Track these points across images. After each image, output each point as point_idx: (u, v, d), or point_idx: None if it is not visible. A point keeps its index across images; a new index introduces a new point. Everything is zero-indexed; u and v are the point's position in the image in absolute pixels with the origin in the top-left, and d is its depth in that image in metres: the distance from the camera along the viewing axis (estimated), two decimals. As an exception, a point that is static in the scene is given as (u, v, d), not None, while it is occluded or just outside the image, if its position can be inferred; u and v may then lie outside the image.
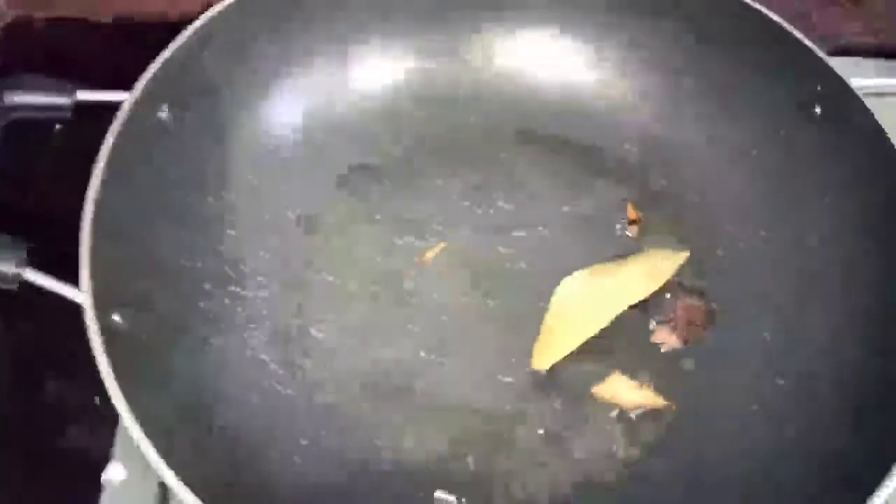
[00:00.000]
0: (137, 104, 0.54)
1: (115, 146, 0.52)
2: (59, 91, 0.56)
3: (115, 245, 0.50)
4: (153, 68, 0.56)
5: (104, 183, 0.50)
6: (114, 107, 0.54)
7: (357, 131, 0.68)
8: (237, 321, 0.58)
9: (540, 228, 0.66)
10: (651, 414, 0.56)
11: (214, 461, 0.48)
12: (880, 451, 0.47)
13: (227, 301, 0.58)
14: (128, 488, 0.53)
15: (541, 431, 0.55)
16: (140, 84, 0.55)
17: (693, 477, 0.53)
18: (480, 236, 0.65)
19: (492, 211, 0.67)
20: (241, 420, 0.52)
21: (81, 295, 0.46)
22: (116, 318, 0.48)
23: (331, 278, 0.62)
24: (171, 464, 0.42)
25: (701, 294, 0.61)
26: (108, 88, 0.56)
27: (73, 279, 0.47)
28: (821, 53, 0.61)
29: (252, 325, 0.58)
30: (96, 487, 0.53)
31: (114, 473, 0.54)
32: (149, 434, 0.42)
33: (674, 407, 0.56)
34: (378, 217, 0.65)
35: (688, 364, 0.58)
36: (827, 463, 0.50)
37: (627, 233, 0.65)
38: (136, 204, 0.54)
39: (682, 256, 0.62)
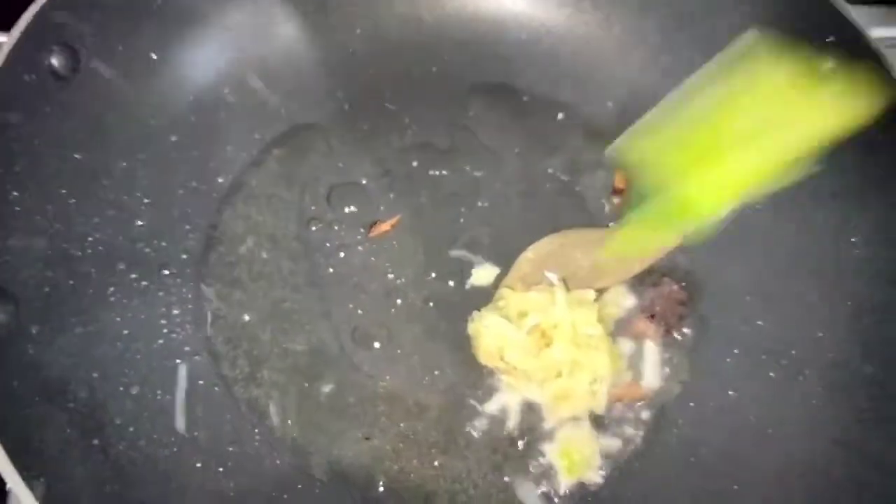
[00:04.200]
0: (20, 47, 0.45)
1: (-8, 99, 0.43)
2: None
3: (-9, 221, 0.42)
4: (40, 2, 0.46)
5: (-23, 144, 0.42)
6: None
7: (298, 82, 0.59)
8: (154, 306, 0.50)
9: (508, 196, 0.58)
10: (621, 417, 0.50)
11: (113, 479, 0.41)
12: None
13: (143, 283, 0.51)
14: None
15: (496, 433, 0.49)
16: (23, 22, 0.45)
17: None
18: (440, 206, 0.57)
19: (454, 176, 0.58)
20: (151, 424, 0.45)
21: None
22: (-8, 312, 0.40)
23: (264, 255, 0.54)
24: (50, 493, 0.35)
25: (684, 277, 0.54)
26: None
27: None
28: (835, -1, 0.52)
29: (172, 311, 0.51)
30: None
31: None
32: (17, 457, 0.35)
33: (657, 396, 0.50)
34: (321, 184, 0.57)
35: (668, 354, 0.52)
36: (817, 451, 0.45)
37: (609, 202, 0.58)
38: (20, 169, 0.45)
39: (672, 242, 0.53)
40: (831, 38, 0.52)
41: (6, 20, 0.45)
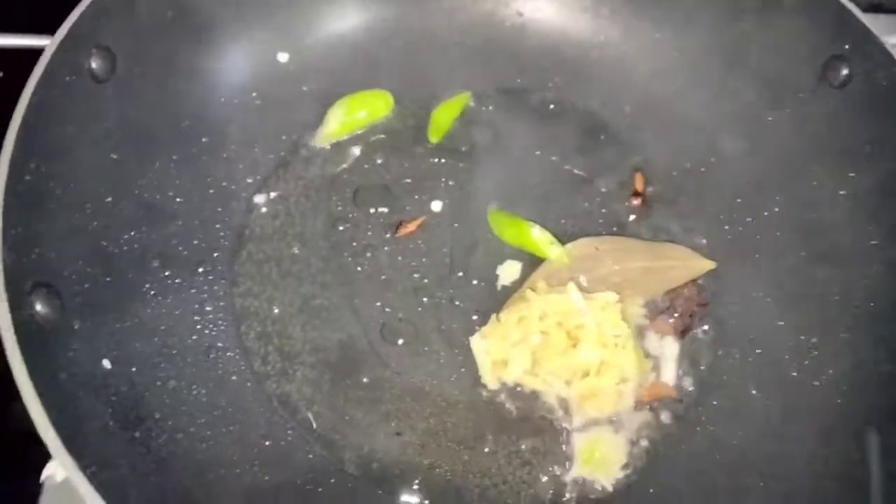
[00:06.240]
0: (62, 50, 0.46)
1: (36, 100, 0.44)
2: (-34, 33, 0.47)
3: (36, 218, 0.43)
4: (81, 7, 0.47)
5: (22, 143, 0.43)
6: (34, 53, 0.46)
7: (324, 87, 0.60)
8: (187, 303, 0.51)
9: (530, 195, 0.59)
10: (646, 416, 0.51)
11: (155, 471, 0.42)
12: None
13: (177, 280, 0.52)
14: (68, 487, 0.48)
15: (524, 429, 0.50)
16: (65, 26, 0.47)
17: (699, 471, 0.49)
18: (464, 206, 0.58)
19: (477, 177, 0.60)
20: (189, 418, 0.46)
21: (-8, 279, 0.39)
22: (38, 307, 0.41)
23: (294, 252, 0.55)
24: (98, 481, 0.35)
25: (704, 278, 0.55)
26: (27, 32, 0.48)
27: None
28: (852, 7, 0.54)
29: (205, 307, 0.52)
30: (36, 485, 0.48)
31: (54, 471, 0.49)
32: (71, 446, 0.35)
33: (679, 395, 0.51)
34: (349, 186, 0.58)
35: (690, 354, 0.53)
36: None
37: (630, 204, 0.59)
38: (62, 168, 0.46)
39: (706, 266, 0.55)
40: (847, 46, 0.54)
41: (49, 25, 0.47)
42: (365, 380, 0.51)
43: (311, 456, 0.48)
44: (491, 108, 0.63)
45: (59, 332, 0.41)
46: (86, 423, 0.39)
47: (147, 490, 0.40)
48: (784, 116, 0.58)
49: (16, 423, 0.52)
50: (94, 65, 0.48)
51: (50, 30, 0.46)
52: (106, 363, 0.44)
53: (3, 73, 0.46)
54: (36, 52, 0.46)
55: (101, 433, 0.40)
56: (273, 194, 0.57)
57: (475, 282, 0.55)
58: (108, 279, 0.48)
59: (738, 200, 0.59)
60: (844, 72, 0.54)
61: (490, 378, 0.51)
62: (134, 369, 0.46)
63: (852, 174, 0.54)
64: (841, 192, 0.54)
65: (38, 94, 0.44)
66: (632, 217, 0.59)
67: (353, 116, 0.60)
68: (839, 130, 0.55)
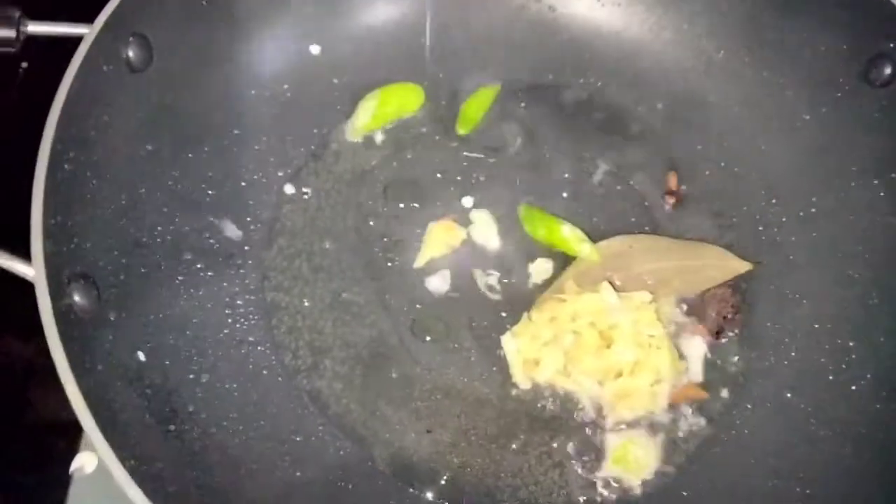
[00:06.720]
0: (99, 39, 0.46)
1: (74, 89, 0.44)
2: (5, 21, 0.46)
3: (73, 208, 0.43)
4: (119, -4, 0.47)
5: (61, 132, 0.42)
6: (72, 41, 0.45)
7: (355, 79, 0.60)
8: (219, 296, 0.51)
9: (562, 194, 0.58)
10: (679, 418, 0.50)
11: (189, 465, 0.42)
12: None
13: (209, 273, 0.52)
14: (97, 479, 0.49)
15: (556, 429, 0.49)
16: (103, 15, 0.46)
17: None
18: (495, 202, 0.57)
19: (507, 174, 0.59)
20: (221, 412, 0.46)
21: (32, 270, 0.39)
22: (76, 297, 0.41)
23: (325, 246, 0.55)
24: (138, 474, 0.35)
25: (737, 280, 0.54)
26: (66, 20, 0.48)
27: (23, 251, 0.40)
28: (896, 2, 0.52)
29: (236, 301, 0.52)
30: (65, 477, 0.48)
31: (83, 463, 0.49)
32: (111, 438, 0.35)
33: (713, 397, 0.50)
34: (380, 181, 0.58)
35: (723, 356, 0.52)
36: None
37: (663, 203, 0.58)
38: (98, 158, 0.46)
39: (741, 267, 0.53)
40: (892, 45, 0.53)
41: (88, 13, 0.46)
42: (395, 376, 0.51)
43: (341, 452, 0.48)
44: (522, 104, 0.62)
45: (96, 324, 0.41)
46: (123, 415, 0.39)
47: (183, 484, 0.40)
48: (822, 115, 0.57)
49: (44, 415, 0.53)
50: (131, 54, 0.48)
51: (89, 18, 0.46)
52: (140, 355, 0.44)
53: (42, 61, 0.46)
54: (74, 41, 0.45)
55: (138, 425, 0.40)
56: (304, 188, 0.57)
57: (506, 279, 0.55)
58: (142, 270, 0.48)
59: (774, 200, 0.58)
60: (888, 71, 0.53)
61: (521, 377, 0.50)
62: (167, 362, 0.46)
63: (893, 175, 0.53)
64: (881, 194, 0.53)
65: (77, 83, 0.44)
66: (665, 216, 0.58)
67: (383, 110, 0.60)
68: (880, 131, 0.54)
